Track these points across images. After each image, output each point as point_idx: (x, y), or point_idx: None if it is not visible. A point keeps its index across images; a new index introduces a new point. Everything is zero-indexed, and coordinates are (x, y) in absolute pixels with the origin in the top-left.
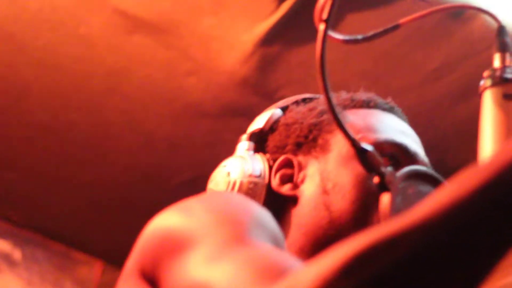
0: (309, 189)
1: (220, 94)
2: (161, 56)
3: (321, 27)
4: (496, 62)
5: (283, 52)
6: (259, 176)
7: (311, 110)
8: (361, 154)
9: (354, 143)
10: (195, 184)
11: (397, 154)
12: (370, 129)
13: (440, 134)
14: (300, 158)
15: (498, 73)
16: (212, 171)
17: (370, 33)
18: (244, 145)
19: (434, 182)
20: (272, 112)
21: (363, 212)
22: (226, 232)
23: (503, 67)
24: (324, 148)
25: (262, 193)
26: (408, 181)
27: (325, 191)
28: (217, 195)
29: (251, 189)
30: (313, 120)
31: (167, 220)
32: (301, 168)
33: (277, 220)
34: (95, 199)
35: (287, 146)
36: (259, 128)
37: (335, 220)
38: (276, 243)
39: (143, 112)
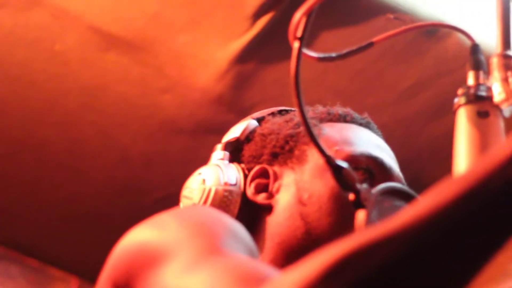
0: (284, 198)
1: (195, 111)
2: (136, 73)
3: (296, 44)
4: (470, 80)
5: (257, 70)
6: (235, 184)
7: (287, 121)
8: (336, 171)
9: (329, 160)
10: (171, 200)
11: (372, 167)
12: (346, 142)
13: (415, 152)
14: (276, 168)
15: (472, 91)
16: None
17: (345, 51)
18: (219, 154)
19: (409, 199)
20: (248, 122)
21: (339, 224)
22: (201, 243)
23: (477, 85)
24: (301, 159)
25: (237, 201)
26: (383, 197)
27: (300, 202)
28: (190, 209)
29: (226, 197)
30: (290, 131)
31: (141, 235)
32: (276, 178)
33: (252, 229)
34: (71, 215)
35: (263, 156)
36: (235, 138)
37: (311, 230)
38: (251, 254)
39: (119, 129)
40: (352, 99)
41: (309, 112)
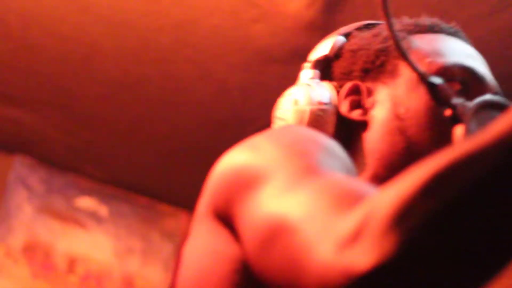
0: (380, 114)
1: (288, 39)
2: (226, 5)
3: None
4: None
5: None
6: (328, 103)
7: (376, 35)
8: (431, 87)
9: (423, 77)
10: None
11: (466, 77)
12: (437, 53)
13: None
14: (368, 83)
15: None
16: None
17: None
18: (308, 73)
19: (507, 110)
20: (335, 38)
21: (438, 138)
22: (297, 164)
23: None
24: (393, 73)
25: (332, 120)
26: (480, 111)
27: (397, 116)
28: (284, 130)
29: (320, 117)
30: (380, 46)
31: (236, 159)
32: (370, 93)
33: (349, 147)
34: (173, 151)
35: (354, 72)
36: (324, 55)
37: (410, 145)
38: (348, 172)
39: (214, 62)
40: (446, 14)
41: (396, 24)
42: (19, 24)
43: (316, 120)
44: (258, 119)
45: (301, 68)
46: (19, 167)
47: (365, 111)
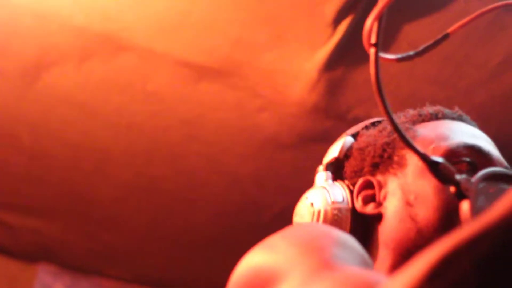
0: (392, 204)
1: (294, 124)
2: (231, 98)
3: (372, 51)
4: None
5: (347, 73)
6: (342, 201)
7: (381, 131)
8: (432, 167)
9: (424, 157)
10: (287, 214)
11: (472, 156)
12: (441, 138)
13: None
14: (379, 177)
15: None
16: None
17: (421, 47)
18: (322, 175)
19: (510, 180)
20: (344, 140)
21: (447, 218)
22: (313, 260)
23: None
24: (401, 164)
25: (348, 217)
26: (485, 184)
27: (408, 203)
28: (298, 228)
29: (336, 215)
30: (385, 140)
31: (254, 260)
32: (381, 186)
33: (366, 240)
34: (192, 245)
35: (364, 168)
36: (334, 157)
37: (422, 229)
38: (363, 264)
39: (224, 154)
40: (445, 85)
41: (401, 117)
42: (30, 136)
43: (333, 219)
44: (273, 205)
45: (310, 151)
46: (43, 275)
47: (379, 204)
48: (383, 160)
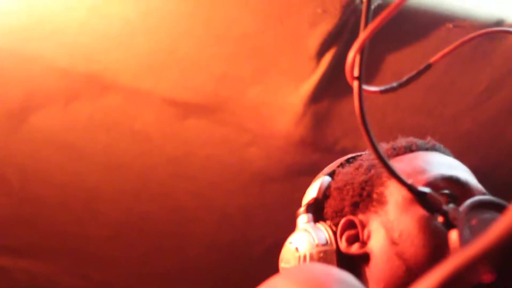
0: (377, 243)
1: (282, 158)
2: (218, 134)
3: (355, 84)
4: None
5: (333, 105)
6: (326, 243)
7: (357, 168)
8: (420, 197)
9: (411, 188)
10: (277, 247)
11: (451, 188)
12: (418, 171)
13: (504, 150)
14: (360, 216)
15: None
16: (291, 232)
17: (405, 78)
18: (303, 218)
19: (499, 208)
20: (322, 180)
21: (435, 252)
22: None
23: None
24: (381, 201)
25: (334, 259)
26: (472, 213)
27: (393, 242)
28: (298, 268)
29: (322, 258)
30: (363, 177)
31: None
32: (363, 225)
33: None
34: (185, 281)
35: (345, 208)
36: (313, 198)
37: (411, 266)
38: None
39: (213, 190)
40: (431, 113)
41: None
42: (18, 178)
43: (318, 262)
44: (264, 239)
45: (298, 184)
46: None
47: (363, 244)
48: (362, 198)
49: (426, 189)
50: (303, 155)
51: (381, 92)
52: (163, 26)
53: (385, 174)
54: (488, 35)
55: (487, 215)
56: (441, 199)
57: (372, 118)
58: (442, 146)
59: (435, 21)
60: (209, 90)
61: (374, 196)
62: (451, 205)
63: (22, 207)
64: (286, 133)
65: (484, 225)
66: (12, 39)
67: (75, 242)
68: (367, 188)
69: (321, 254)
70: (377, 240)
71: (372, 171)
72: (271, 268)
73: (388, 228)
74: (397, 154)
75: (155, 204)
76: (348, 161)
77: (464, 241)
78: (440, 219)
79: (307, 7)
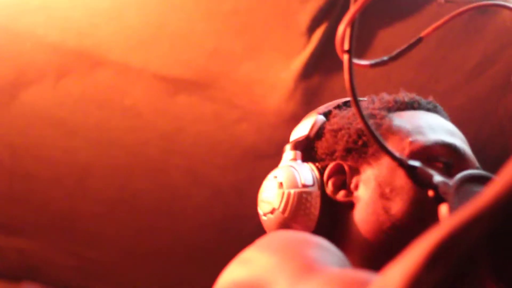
0: (365, 194)
1: (273, 134)
2: (209, 110)
3: (345, 57)
4: None
5: (324, 81)
6: (312, 185)
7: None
8: (410, 172)
9: (402, 163)
10: None
11: (448, 156)
12: (418, 131)
13: (496, 127)
14: (351, 163)
15: None
16: None
17: (395, 51)
18: (290, 154)
19: (488, 182)
20: (315, 118)
21: (424, 216)
22: (295, 265)
23: None
24: (376, 153)
25: (317, 202)
26: (462, 187)
27: (383, 195)
28: (272, 237)
29: (305, 199)
30: (361, 125)
31: (232, 275)
32: (353, 173)
33: (335, 227)
34: (177, 258)
35: (336, 152)
36: (304, 136)
37: (396, 223)
38: (343, 265)
39: (204, 166)
40: (422, 89)
41: (376, 102)
42: (9, 155)
43: (301, 203)
44: (256, 215)
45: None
46: None
47: (350, 192)
48: (357, 146)
49: (416, 163)
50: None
51: (371, 65)
52: (153, 1)
53: (385, 126)
54: (480, 9)
55: (477, 188)
56: (432, 172)
57: (363, 93)
58: (442, 109)
59: None
60: (200, 66)
61: (370, 148)
62: (441, 179)
63: (14, 184)
64: (277, 109)
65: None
66: (2, 14)
67: (66, 219)
68: (363, 137)
69: (305, 195)
70: (366, 190)
71: (371, 121)
72: None
73: (380, 181)
74: (399, 108)
75: (146, 180)
76: (346, 104)
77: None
78: (430, 193)
79: None
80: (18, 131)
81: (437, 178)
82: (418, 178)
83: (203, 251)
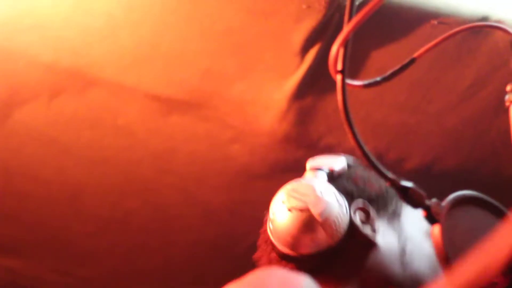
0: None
1: (266, 155)
2: (202, 130)
3: (338, 78)
4: None
5: (317, 102)
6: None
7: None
8: (403, 192)
9: (394, 183)
10: None
11: None
12: None
13: (489, 148)
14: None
15: None
16: None
17: (388, 72)
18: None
19: (481, 203)
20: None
21: None
22: None
23: None
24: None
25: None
26: (454, 208)
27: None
28: (254, 277)
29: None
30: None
31: None
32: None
33: None
34: (170, 277)
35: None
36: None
37: None
38: None
39: (197, 186)
40: (415, 110)
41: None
42: (2, 173)
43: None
44: (249, 235)
45: (282, 181)
46: None
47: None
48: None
49: (409, 184)
50: (287, 152)
51: (365, 86)
52: (147, 21)
53: None
54: (473, 30)
55: (469, 210)
56: (424, 193)
57: (356, 115)
58: None
59: (420, 17)
60: (193, 86)
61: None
62: (434, 200)
63: (5, 203)
64: (270, 130)
65: (466, 221)
66: None
67: (59, 238)
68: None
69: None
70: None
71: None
72: (255, 265)
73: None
74: None
75: (139, 200)
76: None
77: (446, 236)
78: (423, 213)
79: (292, 2)
80: (11, 150)
81: (429, 199)
82: (410, 199)
83: (195, 270)
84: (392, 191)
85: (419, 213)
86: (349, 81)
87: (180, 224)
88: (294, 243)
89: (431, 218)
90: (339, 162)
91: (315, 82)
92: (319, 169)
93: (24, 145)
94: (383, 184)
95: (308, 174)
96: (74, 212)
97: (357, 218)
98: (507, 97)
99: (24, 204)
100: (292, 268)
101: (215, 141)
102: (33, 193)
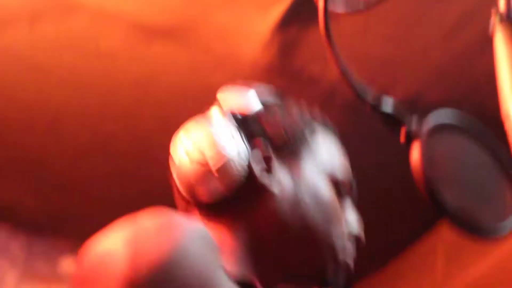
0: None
1: (248, 85)
2: (184, 58)
3: (320, 3)
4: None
5: (300, 32)
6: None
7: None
8: (383, 118)
9: (375, 108)
10: None
11: None
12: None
13: (472, 84)
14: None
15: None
16: None
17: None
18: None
19: (464, 126)
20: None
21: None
22: None
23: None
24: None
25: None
26: (437, 128)
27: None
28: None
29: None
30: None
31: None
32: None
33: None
34: (150, 205)
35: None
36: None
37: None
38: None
39: (178, 116)
40: (400, 45)
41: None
42: None
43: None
44: None
45: None
46: None
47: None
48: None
49: (390, 101)
50: (270, 82)
51: (347, 13)
52: None
53: None
54: None
55: (452, 133)
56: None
57: (339, 47)
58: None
59: None
60: (176, 13)
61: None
62: (414, 118)
63: None
64: (253, 59)
65: (448, 143)
66: None
67: (39, 163)
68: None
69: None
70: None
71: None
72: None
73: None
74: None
75: (120, 125)
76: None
77: (425, 155)
78: (402, 130)
79: None
80: None
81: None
82: (390, 119)
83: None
84: (302, 136)
85: (323, 158)
86: (331, 8)
87: (160, 154)
88: (192, 191)
89: (409, 136)
90: (251, 101)
91: (300, 12)
92: (227, 111)
93: (4, 69)
94: (296, 127)
95: (214, 114)
96: (54, 135)
97: (257, 167)
98: (491, 22)
99: (4, 129)
100: (196, 213)
101: (197, 69)
102: (13, 118)
